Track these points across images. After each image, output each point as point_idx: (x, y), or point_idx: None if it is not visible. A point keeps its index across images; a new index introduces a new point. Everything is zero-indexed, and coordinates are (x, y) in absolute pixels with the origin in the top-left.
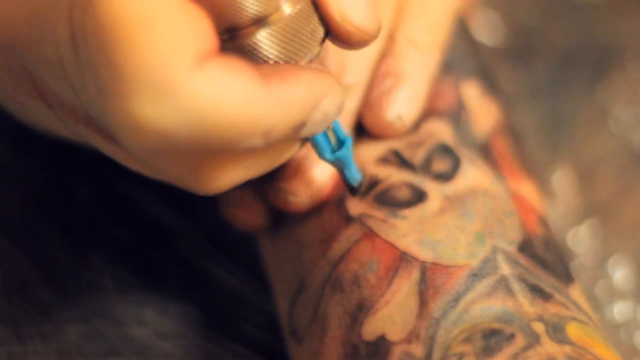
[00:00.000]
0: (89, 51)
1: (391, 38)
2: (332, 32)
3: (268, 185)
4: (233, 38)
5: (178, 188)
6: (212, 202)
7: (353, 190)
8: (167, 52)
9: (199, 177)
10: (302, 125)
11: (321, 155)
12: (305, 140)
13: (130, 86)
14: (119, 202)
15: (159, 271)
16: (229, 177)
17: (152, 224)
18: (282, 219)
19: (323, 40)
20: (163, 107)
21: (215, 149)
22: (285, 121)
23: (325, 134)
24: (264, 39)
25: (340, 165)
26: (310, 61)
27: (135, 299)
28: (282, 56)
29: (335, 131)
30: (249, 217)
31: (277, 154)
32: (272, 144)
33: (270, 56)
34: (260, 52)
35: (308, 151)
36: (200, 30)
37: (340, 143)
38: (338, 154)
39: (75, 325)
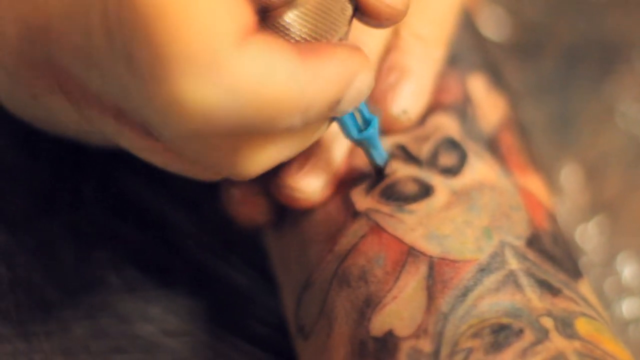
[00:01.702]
0: (124, 36)
1: (396, 32)
2: (362, 9)
3: (273, 181)
4: (265, 19)
5: (185, 185)
6: (219, 199)
7: (379, 170)
8: (209, 31)
9: (236, 161)
10: (337, 102)
11: (349, 134)
12: (333, 119)
13: (174, 67)
14: (125, 200)
15: (165, 268)
16: (264, 159)
17: (158, 222)
18: (287, 215)
19: (352, 19)
20: (209, 85)
21: (258, 128)
22: (323, 98)
23: (352, 114)
24: (295, 18)
25: (366, 145)
26: (341, 39)
27: (141, 296)
28: (313, 35)
29: (361, 111)
30: (253, 213)
31: (307, 135)
32: (308, 123)
33: (302, 35)
34: (292, 32)
35: (313, 147)
36: (240, 8)
37: (367, 123)
38: (365, 133)
39: (80, 323)
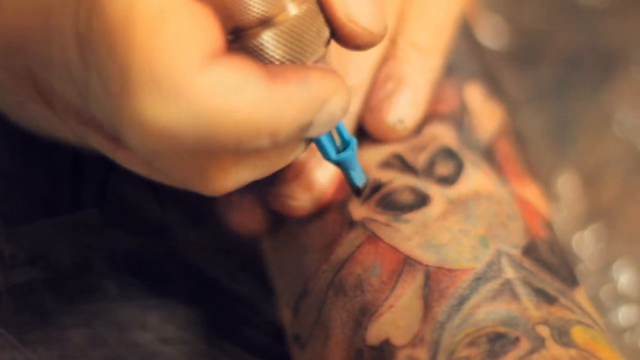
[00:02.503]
0: (95, 51)
1: (393, 41)
2: (338, 33)
3: (268, 189)
4: (239, 38)
5: (183, 192)
6: (216, 207)
7: (358, 192)
8: (174, 52)
9: (204, 178)
10: (309, 125)
11: (326, 156)
12: (309, 141)
13: (138, 86)
14: (123, 207)
15: (163, 276)
16: (234, 178)
17: (156, 229)
18: (284, 223)
19: (329, 41)
20: (171, 106)
21: (222, 149)
22: (292, 121)
23: (330, 135)
24: (270, 39)
25: (345, 166)
26: (317, 62)
27: (139, 304)
28: (288, 57)
29: (339, 132)
30: (249, 221)
31: (282, 155)
32: (278, 145)
33: (276, 56)
34: (266, 53)
35: (308, 156)
36: (208, 30)
37: (345, 144)
38: (343, 154)
39: (78, 330)
